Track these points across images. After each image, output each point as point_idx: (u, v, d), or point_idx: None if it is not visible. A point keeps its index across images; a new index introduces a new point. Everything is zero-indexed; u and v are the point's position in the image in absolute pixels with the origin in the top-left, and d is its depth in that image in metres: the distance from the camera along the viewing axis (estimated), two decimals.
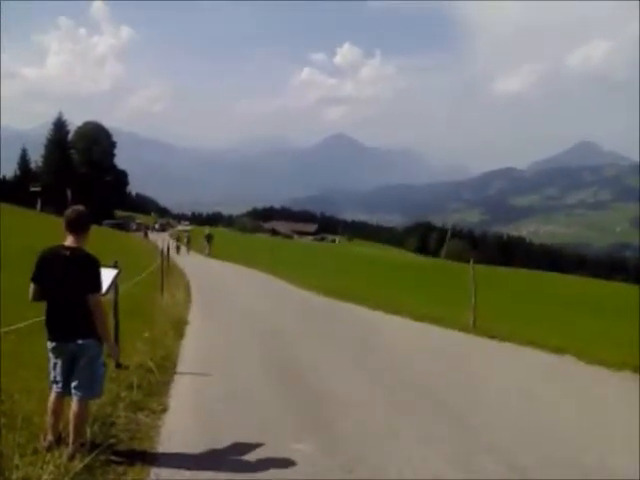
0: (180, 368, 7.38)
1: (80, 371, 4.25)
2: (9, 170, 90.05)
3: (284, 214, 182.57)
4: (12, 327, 6.25)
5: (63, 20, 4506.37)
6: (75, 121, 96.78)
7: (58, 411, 4.35)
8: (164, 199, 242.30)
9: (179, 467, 4.25)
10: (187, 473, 4.15)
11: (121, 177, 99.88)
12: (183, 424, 5.22)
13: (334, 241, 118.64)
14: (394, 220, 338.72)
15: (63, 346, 4.24)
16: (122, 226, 73.65)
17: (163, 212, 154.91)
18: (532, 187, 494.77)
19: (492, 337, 10.22)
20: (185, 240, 41.40)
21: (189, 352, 8.44)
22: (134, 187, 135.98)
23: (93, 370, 4.30)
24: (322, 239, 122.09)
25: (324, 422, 5.40)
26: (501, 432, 5.23)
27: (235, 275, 25.09)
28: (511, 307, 15.60)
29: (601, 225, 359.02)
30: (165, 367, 7.18)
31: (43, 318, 4.34)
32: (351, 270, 32.07)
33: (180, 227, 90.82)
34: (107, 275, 5.29)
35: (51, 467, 3.80)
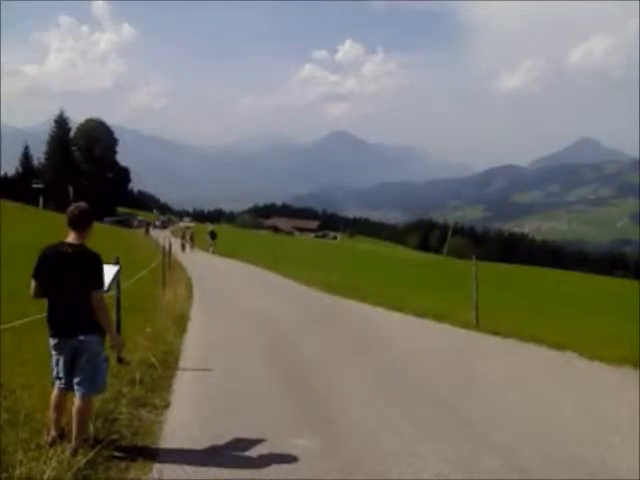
0: (182, 364, 7.40)
1: (82, 367, 4.25)
2: (11, 167, 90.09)
3: (285, 211, 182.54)
4: (13, 323, 6.26)
5: (64, 18, 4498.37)
6: (77, 118, 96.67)
7: (61, 407, 4.36)
8: (165, 196, 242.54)
9: (181, 463, 4.26)
10: (189, 469, 4.16)
11: (123, 174, 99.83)
12: (185, 420, 5.22)
13: (335, 238, 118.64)
14: (396, 217, 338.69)
15: (65, 342, 4.24)
16: (124, 223, 73.76)
17: (164, 209, 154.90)
18: (533, 184, 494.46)
19: (495, 333, 10.21)
20: (188, 237, 40.32)
21: (191, 348, 8.46)
22: (136, 184, 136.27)
23: (95, 366, 4.30)
24: (323, 236, 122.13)
25: (325, 420, 5.40)
26: (504, 429, 5.23)
27: (237, 271, 25.09)
28: (513, 303, 15.59)
29: (602, 221, 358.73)
30: (167, 363, 7.18)
31: (44, 315, 4.35)
32: (353, 267, 32.07)
33: (182, 224, 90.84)
34: (108, 272, 5.29)
35: (54, 462, 3.80)
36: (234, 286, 18.79)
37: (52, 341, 4.29)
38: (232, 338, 9.59)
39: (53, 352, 4.33)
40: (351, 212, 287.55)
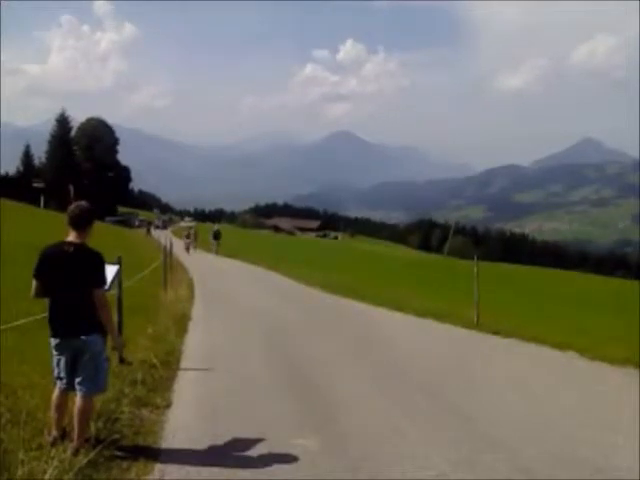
0: (183, 364, 7.40)
1: (84, 367, 4.26)
2: (12, 167, 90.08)
3: (287, 211, 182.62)
4: (15, 323, 6.26)
5: (66, 17, 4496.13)
6: (78, 117, 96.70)
7: (62, 407, 4.36)
8: (167, 196, 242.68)
9: (183, 462, 4.26)
10: (191, 469, 4.16)
11: (124, 173, 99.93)
12: (187, 420, 5.23)
13: (336, 238, 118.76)
14: (397, 217, 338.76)
15: (67, 342, 4.25)
16: (125, 223, 73.79)
17: (166, 209, 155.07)
18: (535, 184, 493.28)
19: (496, 333, 10.21)
20: (192, 237, 38.00)
21: (192, 348, 8.47)
22: (137, 183, 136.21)
23: (97, 365, 4.31)
24: (324, 236, 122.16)
25: (326, 420, 5.40)
26: (505, 428, 5.22)
27: (238, 271, 25.08)
28: (514, 303, 15.59)
29: (604, 222, 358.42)
30: (168, 363, 7.19)
31: (45, 315, 4.35)
32: (354, 267, 32.06)
33: (183, 223, 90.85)
34: (109, 271, 5.30)
35: (56, 462, 3.81)
36: (235, 286, 18.79)
37: (53, 341, 4.30)
38: (233, 338, 9.60)
39: (54, 352, 4.33)
40: (352, 212, 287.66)
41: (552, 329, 10.59)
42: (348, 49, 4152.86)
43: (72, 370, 4.30)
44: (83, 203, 4.46)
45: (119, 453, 4.30)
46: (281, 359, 8.08)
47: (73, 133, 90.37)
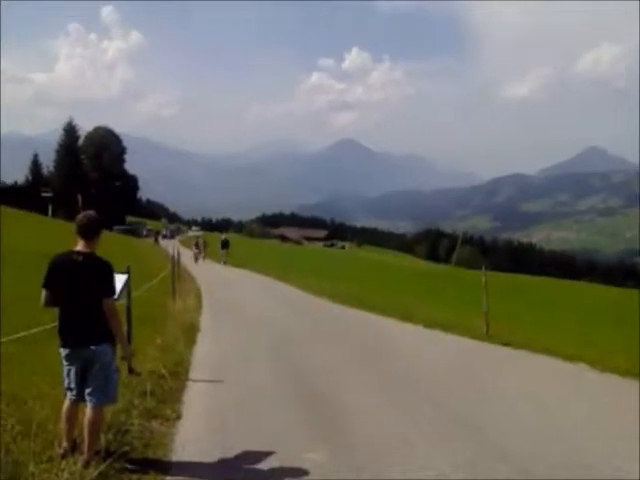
0: (192, 375, 7.38)
1: (94, 377, 4.25)
2: (21, 176, 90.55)
3: (294, 220, 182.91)
4: (24, 333, 6.27)
5: (73, 25, 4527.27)
6: (86, 126, 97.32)
7: (73, 418, 4.35)
8: (174, 204, 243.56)
9: (193, 475, 4.24)
10: None
11: (132, 182, 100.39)
12: (196, 432, 5.21)
13: (343, 247, 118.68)
14: (404, 226, 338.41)
15: (77, 352, 4.24)
16: (133, 232, 73.95)
17: (173, 218, 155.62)
18: (542, 193, 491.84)
19: (506, 344, 10.10)
20: (201, 247, 36.87)
21: (201, 358, 8.45)
22: (144, 192, 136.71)
23: (107, 376, 4.30)
24: (332, 245, 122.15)
25: (336, 431, 5.36)
26: (515, 439, 5.18)
27: (246, 281, 25.05)
28: (524, 314, 15.48)
29: (611, 231, 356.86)
30: (177, 374, 7.17)
31: (55, 324, 4.34)
32: (362, 277, 31.98)
33: (190, 233, 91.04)
34: (118, 280, 5.31)
35: (66, 474, 3.81)
36: (243, 296, 18.76)
37: (63, 351, 4.29)
38: (242, 349, 9.57)
39: (64, 363, 4.32)
40: (359, 221, 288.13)
41: (563, 340, 10.50)
42: (354, 57, 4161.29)
43: (82, 381, 4.29)
44: (91, 212, 4.47)
45: (129, 466, 4.27)
46: (289, 369, 8.05)
47: (80, 142, 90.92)
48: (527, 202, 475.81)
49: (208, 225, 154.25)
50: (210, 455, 4.64)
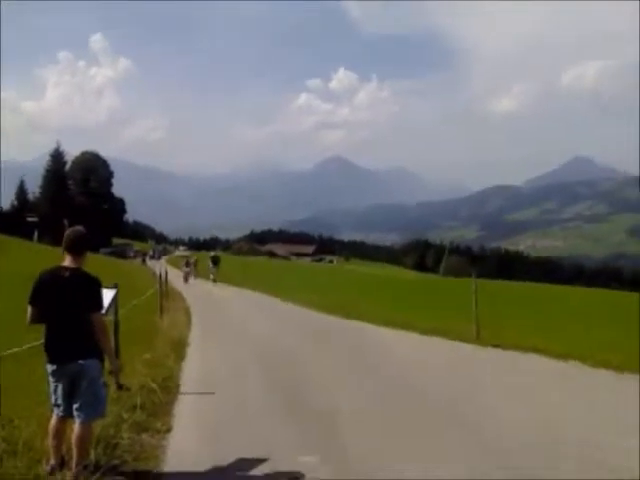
0: (182, 389, 7.30)
1: (82, 392, 4.19)
2: (6, 201, 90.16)
3: (282, 236, 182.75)
4: (9, 351, 6.17)
5: (62, 53, 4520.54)
6: (74, 152, 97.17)
7: (60, 434, 4.29)
8: (160, 226, 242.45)
9: None
10: None
11: (118, 205, 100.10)
12: (187, 444, 5.14)
13: (332, 261, 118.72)
14: (392, 239, 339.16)
15: (64, 368, 4.18)
16: (119, 254, 73.43)
17: (160, 238, 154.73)
18: (529, 202, 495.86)
19: (496, 346, 10.22)
20: (192, 266, 36.42)
21: (191, 373, 8.37)
22: (131, 215, 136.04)
23: (95, 390, 4.24)
24: (320, 260, 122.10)
25: (332, 443, 5.26)
26: (511, 437, 5.19)
27: (234, 296, 24.94)
28: (513, 318, 15.56)
29: (597, 237, 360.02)
30: (167, 388, 7.09)
31: (41, 342, 4.29)
32: (351, 289, 31.93)
33: (177, 253, 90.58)
34: (106, 295, 5.26)
35: None
36: (232, 312, 18.64)
37: (50, 367, 4.23)
38: (233, 362, 9.48)
39: (51, 379, 4.26)
40: (347, 235, 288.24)
41: (551, 341, 10.57)
42: (340, 77, 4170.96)
43: (70, 396, 4.22)
44: (79, 228, 4.47)
45: (119, 478, 4.20)
46: (281, 382, 7.96)
47: (68, 167, 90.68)
48: (514, 212, 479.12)
49: (195, 244, 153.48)
50: (201, 466, 4.58)
